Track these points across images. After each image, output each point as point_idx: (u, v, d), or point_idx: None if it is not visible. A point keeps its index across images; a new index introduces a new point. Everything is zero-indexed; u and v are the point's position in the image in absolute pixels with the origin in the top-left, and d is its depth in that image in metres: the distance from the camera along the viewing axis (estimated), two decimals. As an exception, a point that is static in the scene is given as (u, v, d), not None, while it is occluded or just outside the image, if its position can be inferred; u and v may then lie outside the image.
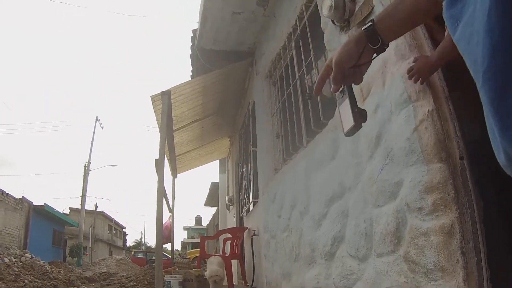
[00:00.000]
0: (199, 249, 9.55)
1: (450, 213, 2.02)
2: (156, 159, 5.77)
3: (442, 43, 2.24)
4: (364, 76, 2.95)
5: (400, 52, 2.53)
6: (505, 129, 0.67)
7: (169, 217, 12.78)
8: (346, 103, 1.27)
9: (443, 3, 0.83)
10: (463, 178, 2.07)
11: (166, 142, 6.39)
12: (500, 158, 0.73)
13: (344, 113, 1.28)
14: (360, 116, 1.23)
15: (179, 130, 8.64)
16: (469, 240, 1.94)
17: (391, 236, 2.49)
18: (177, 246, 59.33)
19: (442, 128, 2.20)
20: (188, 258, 15.96)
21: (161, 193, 5.55)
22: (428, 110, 2.26)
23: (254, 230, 6.69)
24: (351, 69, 1.27)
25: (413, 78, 2.33)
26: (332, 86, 1.28)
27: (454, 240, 1.97)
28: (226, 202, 11.46)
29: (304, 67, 4.46)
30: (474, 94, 0.77)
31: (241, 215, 9.41)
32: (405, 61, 2.49)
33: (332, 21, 3.40)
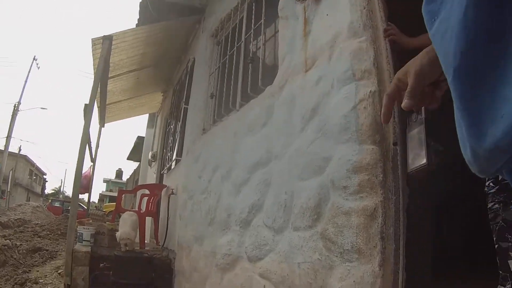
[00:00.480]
0: (115, 203, 9.29)
1: (375, 196, 2.00)
2: (85, 104, 5.53)
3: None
4: (312, 47, 2.91)
5: (354, 30, 2.48)
6: (472, 126, 0.66)
7: (90, 167, 12.31)
8: (419, 131, 1.06)
9: None
10: (393, 163, 2.06)
11: (99, 88, 6.12)
12: (466, 154, 0.71)
13: (414, 143, 1.07)
14: (434, 152, 1.03)
15: (114, 78, 8.29)
16: (390, 226, 1.93)
17: (310, 211, 2.46)
18: (95, 198, 58.11)
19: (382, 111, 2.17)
20: (104, 212, 15.58)
21: (85, 140, 5.35)
22: (371, 90, 2.24)
23: (172, 189, 6.56)
24: (430, 87, 1.10)
25: (388, 33, 2.36)
26: (406, 101, 1.05)
27: (375, 224, 1.95)
28: (149, 157, 11.23)
29: (252, 30, 4.33)
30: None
31: (162, 172, 9.23)
32: (357, 38, 2.43)
33: (291, -12, 3.30)
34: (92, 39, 6.11)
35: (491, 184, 1.95)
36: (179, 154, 6.93)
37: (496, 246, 1.88)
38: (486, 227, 1.92)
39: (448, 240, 3.56)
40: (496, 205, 1.90)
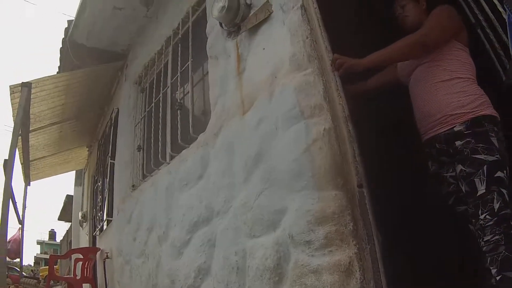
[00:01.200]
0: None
1: (347, 248, 1.75)
2: (5, 160, 5.12)
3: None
4: (248, 86, 2.66)
5: (297, 62, 2.28)
6: None
7: (19, 229, 11.40)
8: None
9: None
10: (361, 209, 1.83)
11: (20, 142, 5.72)
12: None
13: None
14: None
15: (36, 131, 7.81)
16: (370, 280, 1.70)
17: (270, 273, 2.15)
18: (30, 261, 54.78)
19: (340, 150, 1.92)
20: (38, 278, 14.49)
21: (7, 199, 4.92)
22: (325, 128, 2.02)
23: (107, 253, 6.08)
24: None
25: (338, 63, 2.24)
26: None
27: (353, 280, 1.71)
28: (80, 218, 10.70)
29: (178, 74, 4.06)
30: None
31: (94, 234, 8.65)
32: (301, 72, 2.22)
33: (221, 24, 3.08)
34: (10, 86, 5.72)
35: (487, 216, 1.94)
36: (110, 213, 6.50)
37: (499, 277, 1.85)
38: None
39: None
40: (497, 237, 1.89)
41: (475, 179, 2.00)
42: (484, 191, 1.96)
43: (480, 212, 1.97)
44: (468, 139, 2.05)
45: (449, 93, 2.19)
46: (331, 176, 1.90)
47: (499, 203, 1.94)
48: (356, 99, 2.36)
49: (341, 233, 1.78)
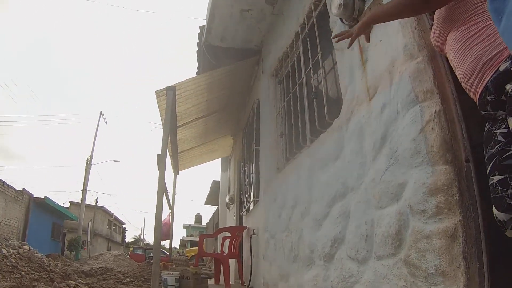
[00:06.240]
0: (197, 248, 9.48)
1: (453, 216, 1.97)
2: (158, 154, 5.70)
3: None
4: (372, 75, 2.94)
5: (409, 52, 2.48)
6: None
7: (169, 214, 12.60)
8: None
9: None
10: (468, 181, 2.02)
11: (169, 138, 6.29)
12: None
13: None
14: None
15: (183, 126, 8.57)
16: (472, 245, 1.88)
17: (392, 239, 2.44)
18: (176, 243, 59.16)
19: (449, 129, 2.15)
20: (187, 256, 15.88)
21: (162, 189, 5.47)
22: (435, 110, 2.22)
23: (253, 230, 6.65)
24: None
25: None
26: None
27: (457, 244, 1.91)
28: (227, 201, 11.41)
29: (310, 66, 4.41)
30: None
31: (241, 214, 9.36)
32: (414, 60, 2.44)
33: (341, 19, 3.36)
34: (155, 91, 6.32)
35: None
36: (256, 195, 7.05)
37: None
38: None
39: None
40: None
41: None
42: None
43: None
44: None
45: (481, 40, 1.63)
46: (442, 152, 2.10)
47: None
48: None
49: (449, 203, 1.99)
